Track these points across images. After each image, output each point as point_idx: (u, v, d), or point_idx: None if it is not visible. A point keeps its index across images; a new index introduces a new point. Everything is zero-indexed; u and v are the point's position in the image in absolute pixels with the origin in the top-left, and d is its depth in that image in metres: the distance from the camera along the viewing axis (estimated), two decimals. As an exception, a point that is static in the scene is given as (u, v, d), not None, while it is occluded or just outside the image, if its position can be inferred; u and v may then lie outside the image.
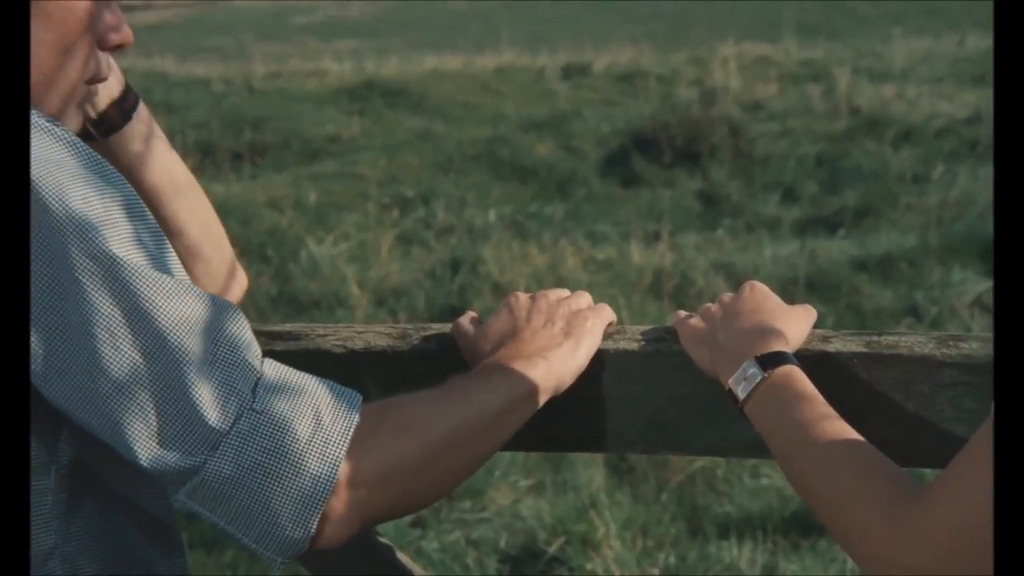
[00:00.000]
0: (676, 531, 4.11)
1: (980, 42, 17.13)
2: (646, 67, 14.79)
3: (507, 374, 1.38)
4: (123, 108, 1.50)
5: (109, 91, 1.48)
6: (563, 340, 1.45)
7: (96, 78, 1.40)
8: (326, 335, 1.55)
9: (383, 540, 1.69)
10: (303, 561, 1.66)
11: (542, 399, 1.40)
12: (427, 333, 1.55)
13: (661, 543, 4.02)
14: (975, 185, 9.07)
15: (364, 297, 6.80)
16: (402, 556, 1.68)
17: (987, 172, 9.36)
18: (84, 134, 1.49)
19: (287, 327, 1.58)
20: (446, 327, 1.57)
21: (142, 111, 1.52)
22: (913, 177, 9.58)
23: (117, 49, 1.41)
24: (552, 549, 3.91)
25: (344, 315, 6.52)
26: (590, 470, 4.40)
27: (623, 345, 1.48)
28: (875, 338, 1.46)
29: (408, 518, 4.07)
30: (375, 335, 1.55)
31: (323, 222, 8.35)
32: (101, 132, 1.49)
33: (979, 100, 11.87)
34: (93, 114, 1.48)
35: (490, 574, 3.82)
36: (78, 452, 1.26)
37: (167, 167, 1.54)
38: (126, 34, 1.40)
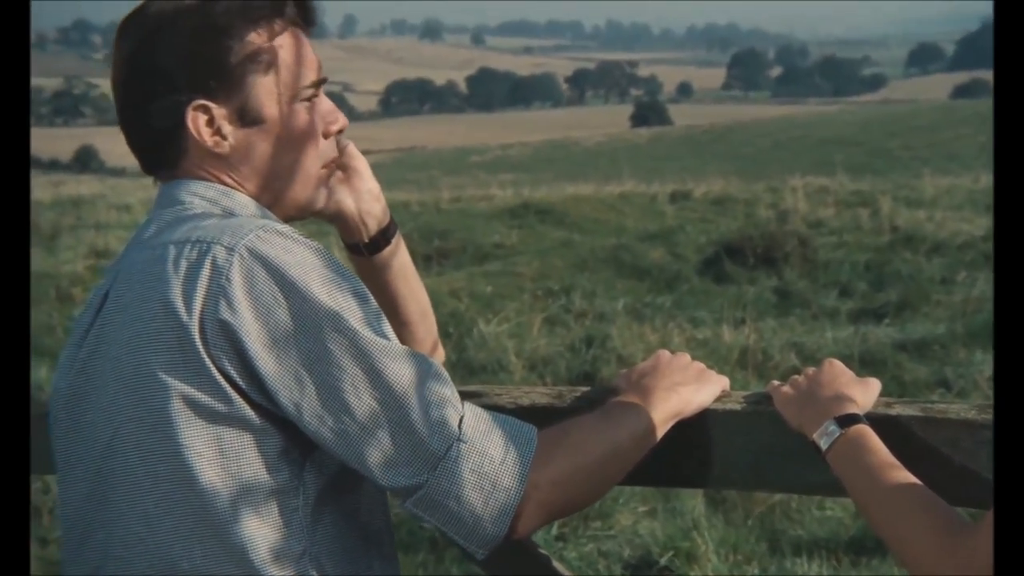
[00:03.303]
0: (760, 549, 4.00)
1: (990, 181, 16.67)
2: (734, 194, 14.64)
3: (649, 401, 1.37)
4: (386, 234, 1.52)
5: (379, 221, 1.51)
6: (691, 381, 1.43)
7: (329, 162, 1.41)
8: (501, 395, 1.53)
9: (543, 551, 1.66)
10: (488, 568, 1.63)
11: (670, 422, 1.38)
12: (577, 395, 1.53)
13: (749, 558, 3.92)
14: (990, 287, 8.79)
15: (520, 364, 6.79)
16: (557, 564, 1.65)
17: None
18: (354, 249, 1.51)
19: (472, 387, 1.56)
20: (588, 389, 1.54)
21: (398, 234, 1.54)
22: (942, 280, 9.32)
23: (338, 134, 1.41)
24: (663, 560, 3.83)
25: (505, 378, 6.52)
26: (692, 500, 4.31)
27: (729, 406, 1.44)
28: (928, 405, 1.39)
29: (554, 533, 4.03)
30: (538, 395, 1.53)
31: (490, 307, 8.39)
32: (369, 251, 1.51)
33: (991, 223, 11.55)
34: (366, 238, 1.50)
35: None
36: (318, 479, 1.27)
37: (405, 270, 1.56)
38: (342, 121, 1.40)
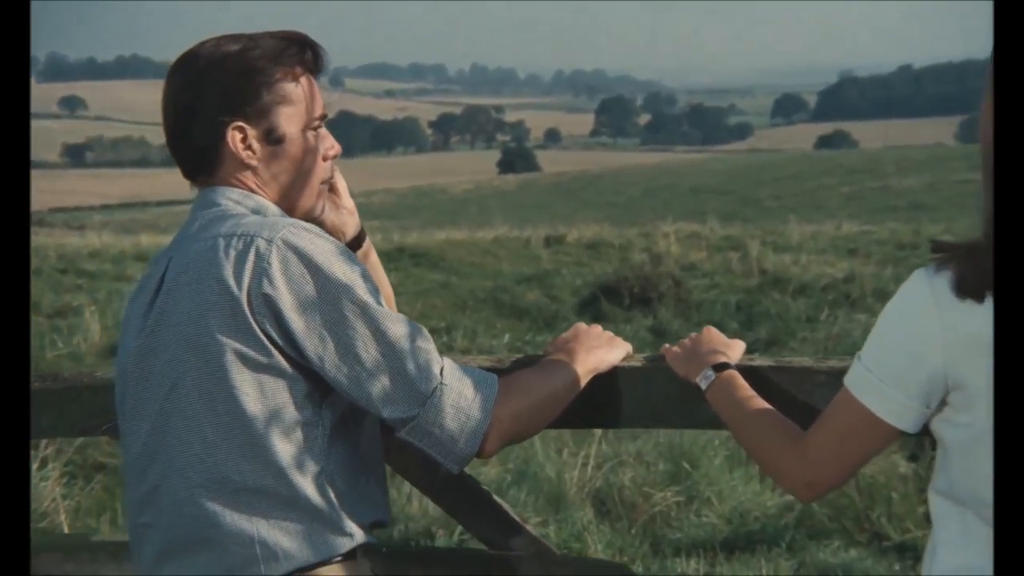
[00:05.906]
0: (643, 550, 4.48)
1: (852, 228, 17.83)
2: (608, 239, 15.23)
3: (574, 359, 1.86)
4: (359, 239, 1.99)
5: (355, 229, 1.98)
6: (605, 345, 1.93)
7: (328, 180, 1.89)
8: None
9: (484, 487, 2.14)
10: (436, 495, 2.09)
11: (590, 375, 1.87)
12: (514, 359, 1.98)
13: (633, 559, 4.38)
14: (850, 324, 9.59)
15: (406, 399, 7.15)
16: (496, 498, 2.13)
17: (858, 316, 9.95)
18: None
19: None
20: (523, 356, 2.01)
21: (368, 239, 2.02)
22: (807, 318, 10.09)
23: (334, 159, 1.88)
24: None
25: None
26: (582, 511, 4.78)
27: (633, 364, 1.94)
28: (780, 358, 1.93)
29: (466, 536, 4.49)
30: (482, 360, 1.99)
31: (374, 347, 8.73)
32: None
33: (852, 266, 12.48)
34: (345, 241, 1.95)
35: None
36: (332, 416, 1.71)
37: (375, 267, 2.02)
38: (337, 148, 1.88)
